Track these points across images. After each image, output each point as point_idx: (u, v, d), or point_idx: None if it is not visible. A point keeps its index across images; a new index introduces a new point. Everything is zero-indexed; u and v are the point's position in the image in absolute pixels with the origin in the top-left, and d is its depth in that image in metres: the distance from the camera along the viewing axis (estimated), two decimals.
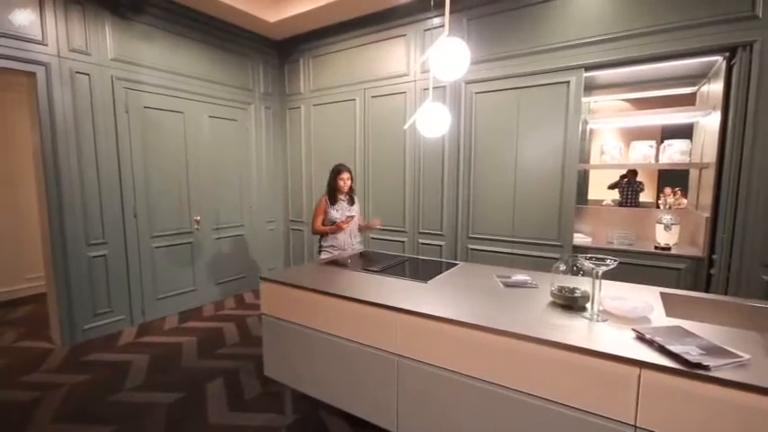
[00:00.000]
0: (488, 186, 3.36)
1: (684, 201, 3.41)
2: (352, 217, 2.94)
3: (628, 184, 3.45)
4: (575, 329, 1.36)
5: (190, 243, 3.86)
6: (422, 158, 3.65)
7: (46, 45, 2.83)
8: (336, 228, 2.88)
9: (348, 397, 1.81)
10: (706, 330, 1.34)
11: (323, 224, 3.01)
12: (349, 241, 3.09)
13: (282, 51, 4.52)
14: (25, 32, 2.74)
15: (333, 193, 3.04)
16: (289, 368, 2.02)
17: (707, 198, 2.72)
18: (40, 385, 2.52)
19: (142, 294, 3.51)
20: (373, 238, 4.04)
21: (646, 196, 3.49)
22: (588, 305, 1.53)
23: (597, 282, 1.45)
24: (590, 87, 3.37)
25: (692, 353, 1.13)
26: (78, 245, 3.07)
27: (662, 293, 1.75)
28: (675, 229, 2.99)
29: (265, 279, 2.05)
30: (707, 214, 2.66)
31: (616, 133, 3.51)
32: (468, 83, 3.35)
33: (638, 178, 3.45)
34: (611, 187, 3.54)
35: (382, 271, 2.16)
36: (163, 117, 3.56)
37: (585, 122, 3.39)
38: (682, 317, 1.47)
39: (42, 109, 2.84)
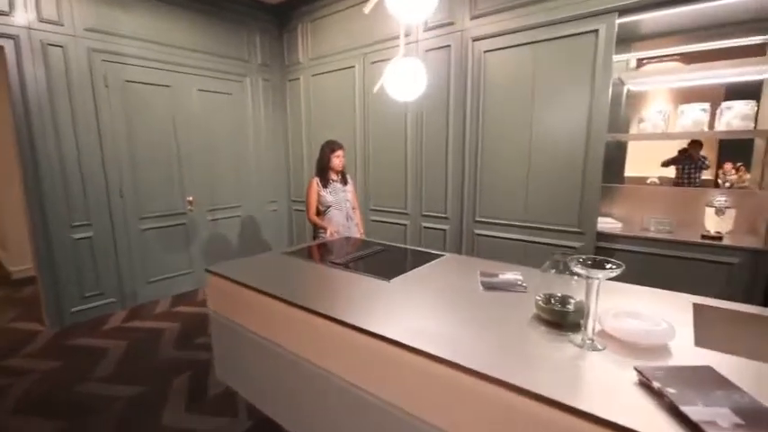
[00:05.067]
0: (498, 163, 2.89)
1: (748, 177, 2.75)
2: (336, 232, 2.69)
3: (688, 161, 2.77)
4: (551, 363, 0.97)
5: (183, 224, 3.71)
6: (424, 131, 3.22)
7: (13, 16, 2.66)
8: (328, 233, 2.64)
9: (286, 413, 1.53)
10: (753, 374, 0.90)
11: (317, 210, 2.75)
12: (346, 224, 2.80)
13: (281, 18, 4.16)
14: None
15: (324, 174, 2.74)
16: (235, 372, 1.77)
17: None
18: (15, 370, 2.46)
19: (133, 277, 3.42)
20: (373, 221, 3.70)
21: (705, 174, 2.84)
22: (608, 321, 1.12)
23: (593, 295, 1.03)
24: (628, 39, 2.75)
25: (722, 421, 0.72)
26: (61, 227, 2.98)
27: (696, 305, 1.30)
28: (730, 213, 2.40)
29: (212, 272, 1.78)
30: None
31: (666, 96, 2.84)
32: (475, 40, 2.85)
33: (675, 151, 2.80)
34: (666, 164, 2.84)
35: (347, 264, 1.83)
36: (147, 91, 3.35)
37: (622, 83, 2.80)
38: (719, 347, 1.03)
39: (13, 85, 2.70)
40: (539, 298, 1.23)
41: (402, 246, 2.35)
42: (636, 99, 2.90)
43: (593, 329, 1.05)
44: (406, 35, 3.21)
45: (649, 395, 0.83)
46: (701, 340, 1.07)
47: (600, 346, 1.04)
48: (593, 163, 2.49)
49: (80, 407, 2.10)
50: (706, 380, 0.85)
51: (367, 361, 1.18)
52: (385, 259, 1.97)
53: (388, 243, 2.36)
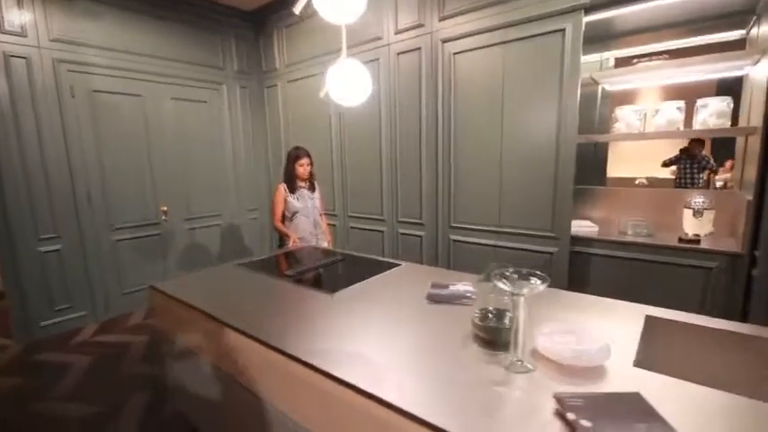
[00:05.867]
0: (471, 167, 2.81)
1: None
2: (300, 239, 2.62)
3: (690, 160, 2.63)
4: (469, 389, 0.88)
5: (158, 235, 3.64)
6: (398, 135, 3.14)
7: None
8: (291, 240, 2.57)
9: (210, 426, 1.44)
10: (692, 400, 0.81)
11: (283, 216, 2.68)
12: (312, 231, 2.74)
13: (258, 24, 4.12)
14: None
15: (291, 181, 2.68)
16: (179, 389, 1.69)
17: (752, 174, 2.03)
18: None
19: (105, 289, 3.35)
20: (352, 227, 3.63)
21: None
22: (539, 340, 1.03)
23: (520, 311, 0.95)
24: (603, 38, 2.68)
25: None
26: (27, 240, 2.92)
27: (648, 318, 1.20)
28: (709, 215, 2.32)
29: (153, 288, 1.71)
30: (750, 196, 1.98)
31: (652, 95, 2.70)
32: (444, 41, 2.78)
33: (677, 149, 2.67)
34: (667, 164, 2.70)
35: (295, 277, 1.75)
36: (117, 101, 3.30)
37: (595, 83, 2.72)
38: (660, 368, 0.94)
39: None
40: (476, 313, 1.14)
41: (362, 255, 2.27)
42: (617, 98, 2.78)
43: (522, 349, 0.97)
44: (378, 38, 3.15)
45: (564, 427, 0.74)
46: (643, 359, 0.98)
47: (529, 367, 0.95)
48: (564, 165, 2.40)
49: (30, 428, 2.03)
50: (630, 410, 0.76)
51: (288, 385, 1.10)
52: (338, 271, 1.89)
53: (348, 252, 2.28)
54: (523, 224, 2.62)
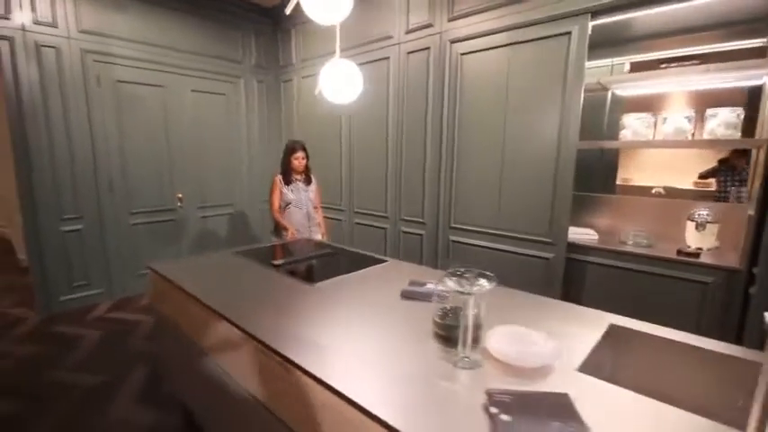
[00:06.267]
0: (473, 168, 2.82)
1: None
2: (297, 230, 2.74)
3: (730, 171, 2.43)
4: (413, 382, 0.93)
5: (173, 220, 3.82)
6: (404, 134, 3.18)
7: (8, 19, 2.82)
8: (289, 232, 2.69)
9: (198, 407, 1.54)
10: (623, 407, 0.83)
11: (279, 206, 2.79)
12: (305, 223, 2.83)
13: (276, 20, 4.22)
14: None
15: (287, 173, 2.77)
16: (167, 365, 1.81)
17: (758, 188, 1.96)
18: None
19: (122, 270, 3.55)
20: (357, 224, 3.69)
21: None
22: (488, 339, 1.07)
23: (468, 310, 0.98)
24: (615, 42, 2.63)
25: None
26: (51, 219, 3.12)
27: (612, 326, 1.21)
28: (713, 228, 2.25)
29: (150, 269, 1.82)
30: (752, 211, 1.92)
31: (673, 103, 2.57)
32: (452, 42, 2.79)
33: (706, 159, 2.51)
34: (705, 176, 2.51)
35: (285, 266, 1.83)
36: (140, 91, 3.47)
37: (604, 88, 2.67)
38: (603, 374, 0.95)
39: (8, 84, 2.86)
40: (437, 311, 1.18)
41: (352, 249, 2.32)
42: (631, 105, 2.69)
43: (470, 347, 1.00)
44: (390, 37, 3.18)
45: (488, 420, 0.78)
46: (589, 365, 0.99)
47: (475, 364, 0.99)
48: (563, 171, 2.38)
49: (40, 393, 2.19)
50: (552, 409, 0.78)
51: (249, 362, 1.17)
52: (326, 263, 1.96)
53: (341, 246, 2.35)
54: (521, 228, 2.62)
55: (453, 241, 3.00)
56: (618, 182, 2.83)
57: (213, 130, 4.00)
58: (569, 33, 2.27)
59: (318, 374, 0.93)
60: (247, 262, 1.92)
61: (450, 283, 0.97)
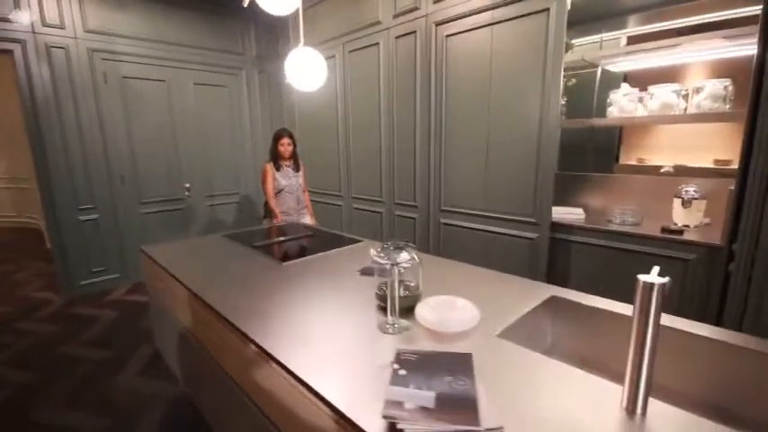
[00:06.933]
0: (460, 150, 2.84)
1: None
2: (283, 213, 2.90)
3: None
4: (335, 344, 1.01)
5: (181, 209, 4.02)
6: (395, 118, 3.21)
7: (19, 22, 3.01)
8: (277, 218, 2.86)
9: (186, 382, 1.68)
10: (527, 369, 0.88)
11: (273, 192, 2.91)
12: (296, 207, 2.97)
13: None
14: None
15: (276, 160, 2.88)
16: (160, 338, 1.96)
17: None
18: (21, 332, 2.87)
19: (135, 256, 3.77)
20: (355, 208, 3.77)
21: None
22: (416, 308, 1.13)
23: (395, 281, 1.05)
24: (603, 17, 2.57)
25: (409, 403, 0.73)
26: (68, 209, 3.36)
27: (552, 297, 1.24)
28: (699, 205, 2.20)
29: (142, 251, 1.97)
30: (732, 186, 1.87)
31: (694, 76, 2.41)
32: (438, 24, 2.79)
33: (670, 138, 2.54)
34: None
35: (264, 246, 1.94)
36: (144, 86, 3.65)
37: (592, 65, 2.62)
38: (521, 340, 1.00)
39: (22, 84, 3.08)
40: (381, 283, 1.25)
41: (331, 231, 2.42)
42: (634, 81, 2.60)
43: (396, 314, 1.07)
44: (378, 22, 3.20)
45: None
46: (510, 331, 1.04)
47: (403, 331, 1.06)
48: (546, 150, 2.37)
49: (55, 365, 2.42)
50: (451, 366, 0.85)
51: (220, 339, 1.28)
52: (301, 244, 2.06)
53: (323, 229, 2.44)
54: (507, 209, 2.63)
55: (444, 224, 3.04)
56: (632, 162, 2.72)
57: (217, 122, 4.15)
58: (548, 10, 2.23)
59: (252, 336, 1.03)
60: (232, 244, 2.04)
61: (374, 256, 1.04)
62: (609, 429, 0.70)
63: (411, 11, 2.93)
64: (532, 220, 2.51)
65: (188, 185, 4.00)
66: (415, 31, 2.93)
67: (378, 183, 3.48)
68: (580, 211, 2.58)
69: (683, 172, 2.55)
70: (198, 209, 4.13)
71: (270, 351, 0.97)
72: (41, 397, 2.11)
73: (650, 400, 0.76)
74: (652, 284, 0.68)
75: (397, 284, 1.06)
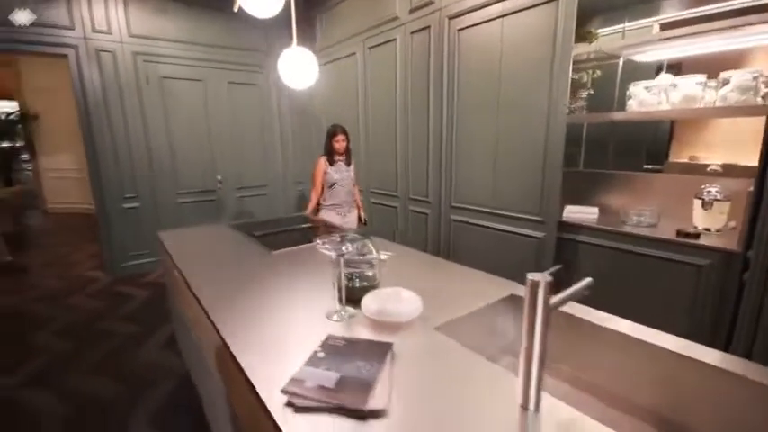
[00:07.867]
0: (470, 146, 2.80)
1: None
2: (337, 205, 3.07)
3: None
4: (281, 328, 1.08)
5: (213, 200, 4.30)
6: (410, 114, 3.23)
7: (73, 29, 3.37)
8: (315, 215, 3.02)
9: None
10: (451, 360, 0.90)
11: (322, 185, 3.05)
12: (348, 200, 3.12)
13: (300, 8, 4.43)
14: (56, 20, 3.30)
15: (330, 155, 3.00)
16: (174, 320, 2.15)
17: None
18: (69, 306, 3.24)
19: None
20: (373, 203, 3.84)
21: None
22: (363, 298, 1.18)
23: (341, 271, 1.10)
24: (624, 5, 2.41)
25: (310, 382, 0.78)
26: (114, 198, 3.73)
27: (511, 296, 1.23)
28: (722, 207, 2.04)
29: (159, 238, 2.16)
30: (752, 187, 1.71)
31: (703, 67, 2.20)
32: (450, 18, 2.76)
33: (729, 133, 2.26)
34: None
35: (261, 235, 2.06)
36: (182, 86, 3.93)
37: (611, 57, 2.47)
38: (457, 335, 1.01)
39: (75, 85, 3.45)
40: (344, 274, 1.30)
41: (331, 224, 2.49)
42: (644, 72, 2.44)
43: (343, 302, 1.12)
44: (396, 18, 3.22)
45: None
46: (449, 327, 1.06)
47: (344, 317, 1.10)
48: (553, 146, 2.29)
49: (89, 337, 2.72)
50: (368, 353, 0.88)
51: (199, 322, 1.40)
52: (298, 235, 2.16)
53: (343, 227, 2.51)
54: (515, 207, 2.57)
55: (454, 220, 3.01)
56: (684, 159, 2.52)
57: (248, 119, 4.38)
58: (557, 0, 2.14)
59: (213, 318, 1.12)
60: (234, 233, 2.18)
61: (320, 247, 1.09)
62: (497, 423, 0.70)
63: (426, 5, 2.92)
64: (539, 219, 2.43)
65: (220, 178, 4.27)
66: (429, 26, 2.92)
67: (393, 178, 3.52)
68: (594, 210, 2.46)
69: (731, 171, 2.32)
70: (228, 200, 4.40)
71: (217, 325, 1.06)
72: (74, 364, 2.39)
73: (556, 401, 0.75)
74: (538, 282, 0.68)
75: (342, 274, 1.10)
